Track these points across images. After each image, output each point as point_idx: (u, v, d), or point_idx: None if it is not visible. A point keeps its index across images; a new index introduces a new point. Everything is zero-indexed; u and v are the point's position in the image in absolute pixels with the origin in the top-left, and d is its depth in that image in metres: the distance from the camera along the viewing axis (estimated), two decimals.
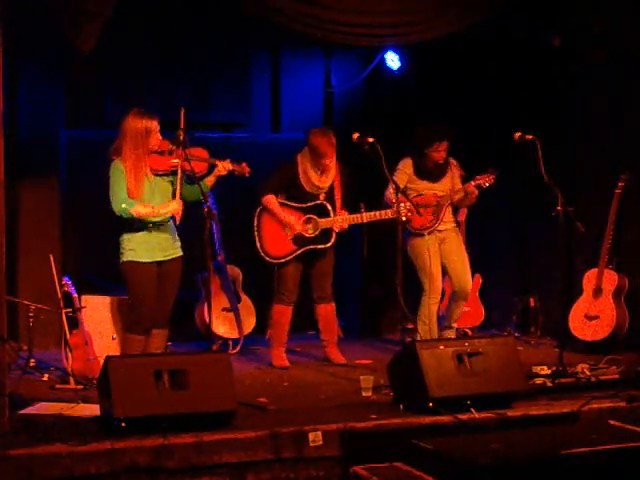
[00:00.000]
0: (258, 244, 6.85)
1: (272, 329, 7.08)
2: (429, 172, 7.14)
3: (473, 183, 6.97)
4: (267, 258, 6.85)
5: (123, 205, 5.71)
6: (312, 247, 6.82)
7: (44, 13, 6.03)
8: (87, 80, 7.84)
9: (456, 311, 7.22)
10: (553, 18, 7.65)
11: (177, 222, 5.93)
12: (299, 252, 6.81)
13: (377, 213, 6.76)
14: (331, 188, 6.87)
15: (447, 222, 7.16)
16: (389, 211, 6.68)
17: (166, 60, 8.02)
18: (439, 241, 7.13)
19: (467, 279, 7.16)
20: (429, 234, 7.06)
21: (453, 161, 7.23)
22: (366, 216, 6.77)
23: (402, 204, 6.42)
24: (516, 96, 8.12)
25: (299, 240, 6.80)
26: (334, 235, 6.81)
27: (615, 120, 7.66)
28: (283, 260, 6.82)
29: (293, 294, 6.90)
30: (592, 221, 7.09)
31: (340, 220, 6.78)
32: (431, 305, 7.05)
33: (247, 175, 6.20)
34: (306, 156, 6.81)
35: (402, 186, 6.87)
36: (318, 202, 6.83)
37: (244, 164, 6.16)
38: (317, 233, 6.80)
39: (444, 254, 7.13)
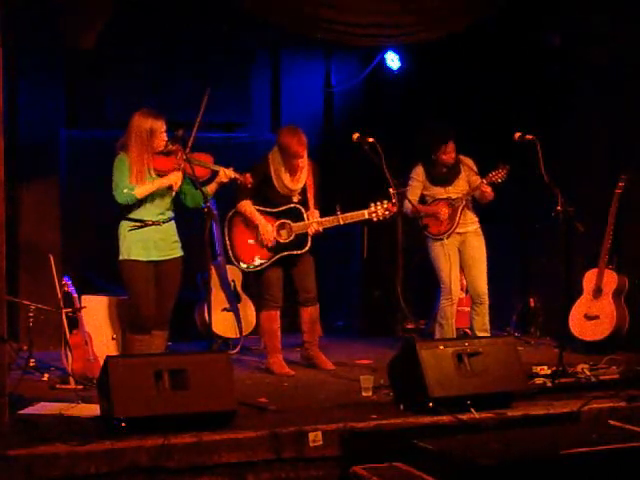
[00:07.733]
0: (230, 250, 6.63)
1: (265, 337, 6.82)
2: (442, 176, 7.00)
3: (485, 181, 6.85)
4: (239, 264, 6.65)
5: (125, 191, 5.73)
6: (287, 253, 6.58)
7: (44, 13, 6.03)
8: (87, 80, 7.85)
9: (477, 319, 7.03)
10: (553, 18, 7.66)
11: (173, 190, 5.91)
12: (274, 259, 6.58)
13: (353, 214, 6.52)
14: (304, 188, 6.64)
15: (467, 224, 7.02)
16: (365, 212, 6.49)
17: (166, 60, 8.03)
18: (458, 243, 7.01)
19: (480, 283, 7.00)
20: (448, 238, 6.95)
21: (465, 159, 7.05)
22: (342, 218, 6.52)
23: (379, 204, 6.43)
24: (516, 96, 8.11)
25: (274, 246, 6.57)
26: (310, 240, 6.58)
27: (615, 120, 7.66)
28: (259, 267, 6.59)
29: (279, 298, 6.67)
30: (592, 221, 7.08)
31: (315, 224, 6.55)
32: (446, 307, 7.00)
33: (250, 186, 6.19)
34: (277, 156, 6.56)
35: (419, 194, 7.00)
36: (291, 206, 6.59)
37: (248, 174, 6.15)
38: (292, 238, 6.57)
39: (462, 256, 7.03)
